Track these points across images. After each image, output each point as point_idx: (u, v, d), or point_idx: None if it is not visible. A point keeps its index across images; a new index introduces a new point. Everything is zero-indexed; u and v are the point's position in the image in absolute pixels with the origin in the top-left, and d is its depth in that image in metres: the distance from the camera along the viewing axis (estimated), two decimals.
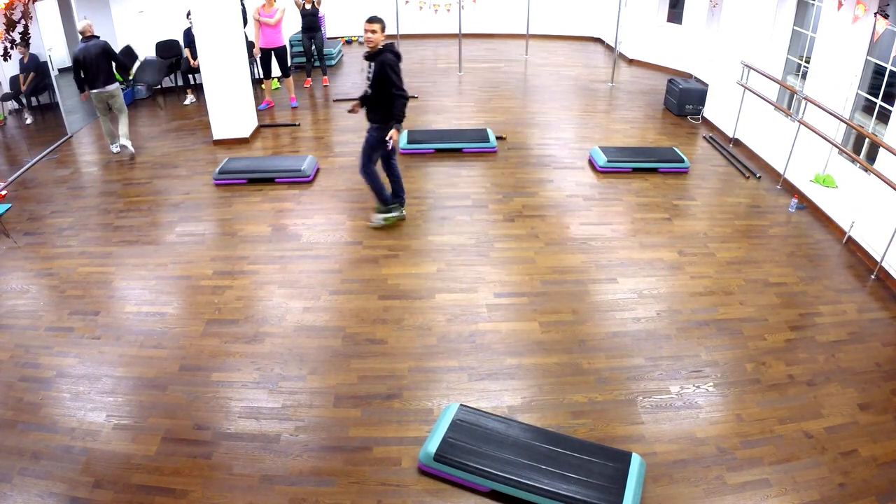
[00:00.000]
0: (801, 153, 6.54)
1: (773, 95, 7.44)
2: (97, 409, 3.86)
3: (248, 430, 3.70)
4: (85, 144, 8.22)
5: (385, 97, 5.30)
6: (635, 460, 3.35)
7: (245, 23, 8.55)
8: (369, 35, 5.22)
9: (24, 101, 8.42)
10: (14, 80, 8.05)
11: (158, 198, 6.56)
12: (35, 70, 8.01)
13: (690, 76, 10.08)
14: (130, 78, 9.57)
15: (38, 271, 5.33)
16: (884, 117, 5.78)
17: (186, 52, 9.24)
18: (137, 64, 9.79)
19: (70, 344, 4.43)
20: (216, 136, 7.90)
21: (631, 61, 11.57)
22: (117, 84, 7.42)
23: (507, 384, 4.04)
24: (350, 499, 3.29)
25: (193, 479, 3.39)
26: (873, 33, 5.59)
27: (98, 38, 7.20)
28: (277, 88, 10.04)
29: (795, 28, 7.34)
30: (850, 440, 3.62)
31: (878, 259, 5.20)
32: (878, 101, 5.83)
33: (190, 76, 9.62)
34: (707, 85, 8.85)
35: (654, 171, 7.04)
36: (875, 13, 5.48)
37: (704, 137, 8.11)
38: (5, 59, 7.44)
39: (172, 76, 10.02)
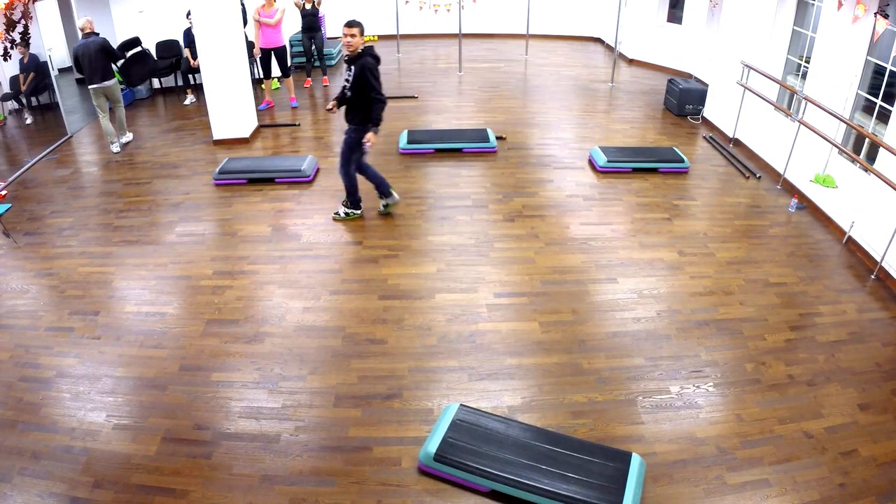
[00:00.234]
0: (801, 153, 6.54)
1: (773, 95, 7.44)
2: (97, 409, 3.86)
3: (248, 430, 3.70)
4: (85, 144, 8.22)
5: (364, 100, 5.42)
6: (635, 460, 3.35)
7: (245, 23, 8.55)
8: (349, 39, 5.32)
9: (24, 101, 8.42)
10: (14, 80, 8.05)
11: (158, 198, 6.56)
12: (35, 70, 8.02)
13: (690, 76, 10.08)
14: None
15: (38, 271, 5.33)
16: (884, 117, 5.78)
17: (186, 52, 9.24)
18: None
19: (70, 344, 4.43)
20: (216, 136, 7.91)
21: (631, 61, 11.57)
22: (115, 80, 7.55)
23: (507, 384, 4.04)
24: (350, 499, 3.29)
25: (193, 479, 3.39)
26: (873, 33, 5.59)
27: (98, 34, 7.34)
28: (277, 88, 10.04)
29: (795, 28, 7.34)
30: (850, 440, 3.62)
31: (878, 259, 5.20)
32: (878, 101, 5.83)
33: (190, 76, 9.62)
34: (707, 85, 8.85)
35: (654, 171, 7.04)
36: (875, 13, 5.48)
37: (704, 137, 8.11)
38: (5, 59, 7.45)
39: (172, 76, 10.02)
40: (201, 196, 6.59)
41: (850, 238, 5.63)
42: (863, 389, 4.00)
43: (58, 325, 4.63)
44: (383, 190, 6.02)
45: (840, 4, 5.97)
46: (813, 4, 6.96)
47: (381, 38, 13.27)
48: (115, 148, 7.68)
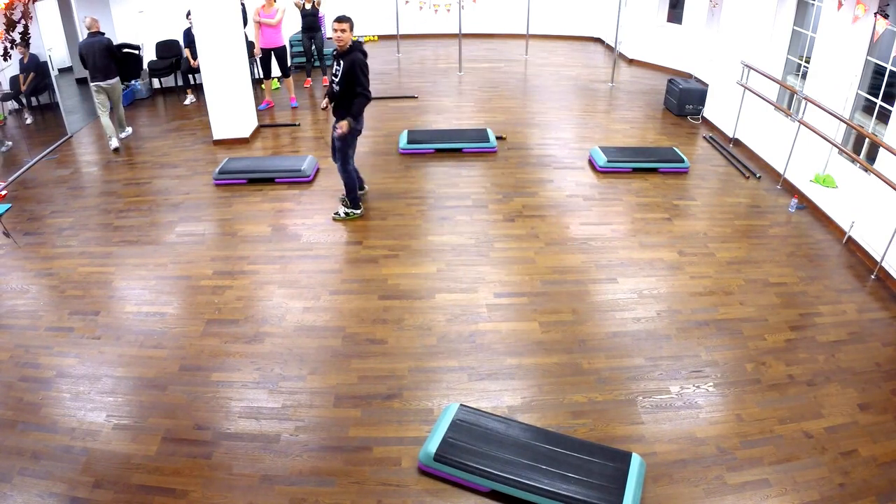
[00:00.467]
0: (801, 153, 6.54)
1: (773, 95, 7.44)
2: (97, 409, 3.86)
3: (248, 430, 3.70)
4: (85, 144, 8.21)
5: (352, 94, 5.49)
6: (635, 460, 3.35)
7: (245, 23, 8.56)
8: (339, 34, 5.38)
9: (24, 101, 8.42)
10: (14, 80, 8.05)
11: (158, 198, 6.56)
12: (35, 70, 8.02)
13: (690, 76, 10.08)
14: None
15: (38, 271, 5.33)
16: (884, 117, 5.78)
17: (186, 52, 9.24)
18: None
19: (70, 344, 4.43)
20: (216, 136, 7.91)
21: (631, 61, 11.57)
22: (117, 79, 7.73)
23: (507, 384, 4.04)
24: (350, 499, 3.29)
25: (193, 479, 3.39)
26: (873, 33, 5.59)
27: (103, 34, 7.55)
28: (277, 88, 10.04)
29: (795, 28, 7.34)
30: (850, 440, 3.62)
31: (878, 259, 5.20)
32: (878, 101, 5.83)
33: (190, 76, 9.62)
34: (707, 85, 8.85)
35: (654, 171, 7.04)
36: (875, 13, 5.48)
37: (704, 137, 8.11)
38: (5, 59, 7.45)
39: (172, 76, 10.02)
40: (201, 196, 6.59)
41: (850, 238, 5.63)
42: (863, 389, 4.00)
43: (58, 325, 4.63)
44: (353, 199, 6.07)
45: (840, 4, 5.97)
46: (813, 4, 6.96)
47: (381, 38, 13.28)
48: (114, 143, 7.76)
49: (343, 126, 5.52)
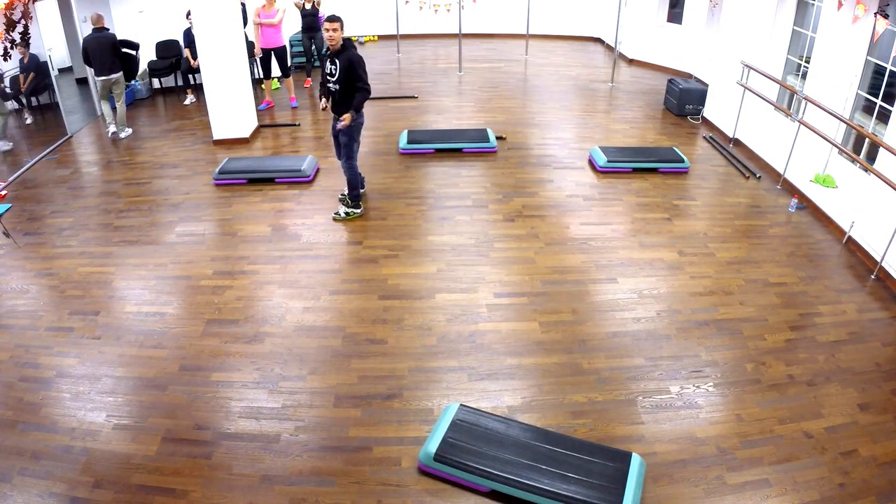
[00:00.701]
0: (801, 153, 6.54)
1: (773, 95, 7.44)
2: (97, 409, 3.86)
3: (248, 430, 3.70)
4: (85, 144, 8.22)
5: (352, 91, 5.54)
6: (635, 460, 3.35)
7: (245, 23, 8.56)
8: (331, 33, 5.44)
9: (24, 101, 8.42)
10: (14, 80, 8.05)
11: (158, 198, 6.56)
12: (35, 70, 8.02)
13: (690, 76, 10.08)
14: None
15: (38, 271, 5.33)
16: (884, 117, 5.78)
17: (186, 52, 9.24)
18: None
19: (70, 344, 4.43)
20: (216, 136, 7.91)
21: (631, 61, 11.57)
22: (121, 73, 8.07)
23: (507, 384, 4.04)
24: (350, 499, 3.29)
25: (193, 479, 3.39)
26: (873, 33, 5.59)
27: (108, 30, 7.98)
28: (277, 88, 10.04)
29: (795, 28, 7.34)
30: (850, 440, 3.62)
31: (878, 259, 5.20)
32: (878, 101, 5.83)
33: (190, 76, 9.62)
34: (707, 85, 8.85)
35: (654, 171, 7.04)
36: (875, 13, 5.48)
37: (704, 137, 8.11)
38: (5, 59, 7.45)
39: (172, 76, 10.02)
40: (201, 196, 6.59)
41: (850, 238, 5.63)
42: (863, 389, 4.00)
43: (58, 325, 4.63)
44: (355, 196, 6.09)
45: (840, 4, 5.97)
46: (813, 4, 6.96)
47: (381, 38, 13.28)
48: (112, 128, 8.10)
49: (347, 119, 5.57)
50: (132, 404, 3.90)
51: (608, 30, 11.89)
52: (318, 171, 7.07)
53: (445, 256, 5.42)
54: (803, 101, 6.32)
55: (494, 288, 4.99)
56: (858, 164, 5.90)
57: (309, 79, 10.35)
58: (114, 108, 8.20)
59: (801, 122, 6.29)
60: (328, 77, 5.63)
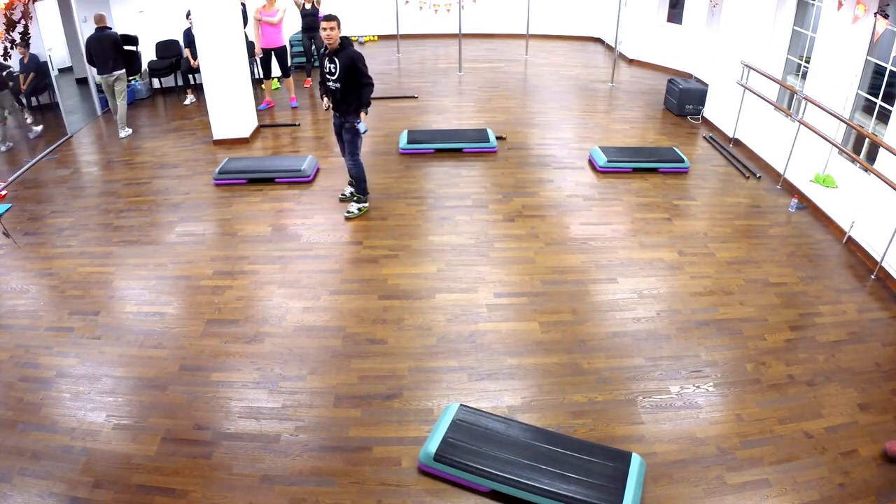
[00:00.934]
0: (801, 153, 6.54)
1: (773, 95, 7.44)
2: (97, 409, 3.86)
3: (248, 430, 3.70)
4: (85, 144, 8.22)
5: (354, 88, 5.58)
6: (635, 460, 3.35)
7: (245, 23, 8.56)
8: (329, 32, 5.45)
9: (24, 101, 8.42)
10: (14, 80, 8.04)
11: (158, 198, 6.56)
12: (35, 70, 8.03)
13: (690, 76, 10.08)
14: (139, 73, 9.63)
15: (38, 271, 5.33)
16: (884, 117, 5.78)
17: (186, 52, 9.24)
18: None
19: (70, 344, 4.43)
20: (216, 136, 7.91)
21: (631, 61, 11.57)
22: (123, 71, 8.20)
23: (507, 384, 4.04)
24: (350, 499, 3.29)
25: (193, 479, 3.39)
26: (873, 33, 5.59)
27: (110, 29, 8.11)
28: (277, 88, 10.04)
29: (795, 28, 7.34)
30: (850, 440, 3.62)
31: (878, 259, 5.19)
32: (878, 101, 5.83)
33: (190, 76, 9.62)
34: (707, 85, 8.85)
35: (654, 171, 7.04)
36: (875, 13, 5.48)
37: (704, 137, 8.11)
38: (5, 59, 7.45)
39: (172, 76, 10.02)
40: (201, 196, 6.59)
41: (850, 238, 5.63)
42: (863, 389, 4.00)
43: (58, 325, 4.63)
44: (363, 188, 6.16)
45: (840, 4, 5.97)
46: (813, 4, 6.96)
47: (381, 38, 13.28)
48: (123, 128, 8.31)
49: (364, 119, 5.65)
50: (132, 404, 3.90)
51: (608, 30, 11.89)
52: (318, 171, 7.07)
53: (445, 256, 5.42)
54: (803, 101, 6.32)
55: (494, 288, 4.99)
56: (858, 164, 5.90)
57: (309, 79, 10.35)
58: (114, 107, 8.32)
59: (801, 122, 6.29)
60: (328, 76, 5.64)
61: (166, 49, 9.82)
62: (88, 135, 8.51)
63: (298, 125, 8.56)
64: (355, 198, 6.14)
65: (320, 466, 3.48)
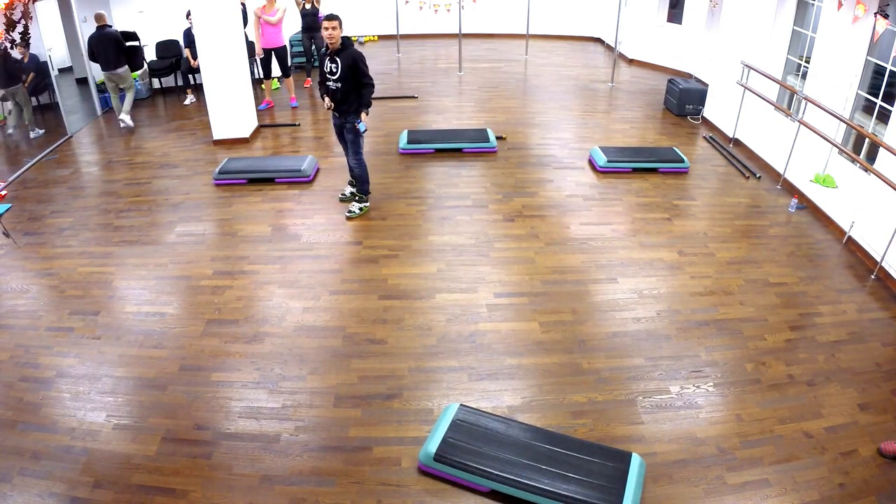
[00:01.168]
0: (801, 153, 6.54)
1: (773, 95, 7.44)
2: (97, 409, 3.86)
3: (248, 430, 3.70)
4: (85, 144, 8.22)
5: (355, 89, 5.60)
6: (635, 460, 3.35)
7: (245, 23, 8.56)
8: (330, 32, 5.46)
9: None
10: None
11: (158, 198, 6.56)
12: (35, 70, 8.03)
13: (690, 76, 10.08)
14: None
15: (38, 271, 5.33)
16: (884, 117, 5.78)
17: (186, 52, 9.24)
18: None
19: (70, 344, 4.43)
20: (216, 136, 7.91)
21: (631, 61, 11.57)
22: (126, 67, 8.37)
23: (507, 384, 4.04)
24: (350, 499, 3.29)
25: (193, 479, 3.39)
26: (873, 33, 5.59)
27: (110, 27, 8.24)
28: (277, 88, 10.04)
29: (795, 28, 7.34)
30: (850, 440, 3.62)
31: (878, 259, 5.20)
32: (878, 101, 5.83)
33: (190, 76, 9.62)
34: (707, 85, 8.85)
35: (654, 171, 7.04)
36: (875, 13, 5.48)
37: (704, 137, 8.11)
38: (7, 59, 7.45)
39: (172, 76, 10.02)
40: (201, 196, 6.59)
41: (850, 238, 5.63)
42: (863, 389, 4.00)
43: (58, 325, 4.63)
44: (365, 188, 6.16)
45: (840, 4, 5.97)
46: (813, 4, 6.96)
47: (381, 38, 13.28)
48: (127, 120, 8.39)
49: (365, 119, 5.67)
50: (132, 404, 3.90)
51: (608, 30, 11.88)
52: (318, 171, 7.07)
53: (445, 256, 5.42)
54: (803, 101, 6.32)
55: (494, 288, 4.99)
56: (858, 164, 5.90)
57: (309, 79, 10.35)
58: (122, 100, 8.50)
59: (801, 122, 6.29)
60: (328, 76, 5.64)
61: (166, 49, 9.82)
62: (88, 135, 8.51)
63: (298, 125, 8.56)
64: (356, 197, 6.14)
65: (320, 466, 3.48)
